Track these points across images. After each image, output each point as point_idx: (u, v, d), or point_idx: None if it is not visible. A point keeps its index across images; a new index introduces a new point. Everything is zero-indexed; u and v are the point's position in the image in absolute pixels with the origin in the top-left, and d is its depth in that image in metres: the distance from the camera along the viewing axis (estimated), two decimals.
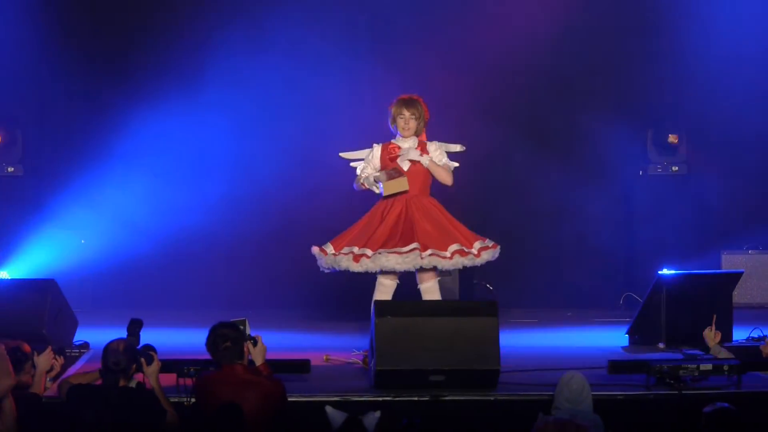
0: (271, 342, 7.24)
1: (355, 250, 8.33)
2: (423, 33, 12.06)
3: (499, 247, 8.48)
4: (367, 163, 8.61)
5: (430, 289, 8.47)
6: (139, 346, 6.93)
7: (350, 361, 8.49)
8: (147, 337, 7.21)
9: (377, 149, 8.62)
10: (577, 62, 12.14)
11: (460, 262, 8.34)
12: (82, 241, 11.70)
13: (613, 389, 7.39)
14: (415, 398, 7.29)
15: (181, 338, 9.22)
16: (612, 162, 12.03)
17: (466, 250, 8.34)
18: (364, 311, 8.25)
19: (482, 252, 8.39)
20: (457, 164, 8.69)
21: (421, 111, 8.53)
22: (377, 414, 5.82)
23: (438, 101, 9.95)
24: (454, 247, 8.33)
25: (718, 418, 6.03)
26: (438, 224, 8.42)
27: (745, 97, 11.99)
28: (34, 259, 11.22)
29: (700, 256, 11.38)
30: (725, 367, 7.48)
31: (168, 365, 7.06)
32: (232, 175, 11.99)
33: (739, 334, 9.33)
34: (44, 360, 7.05)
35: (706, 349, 8.22)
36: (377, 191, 8.50)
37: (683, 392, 7.32)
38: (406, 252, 8.27)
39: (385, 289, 8.45)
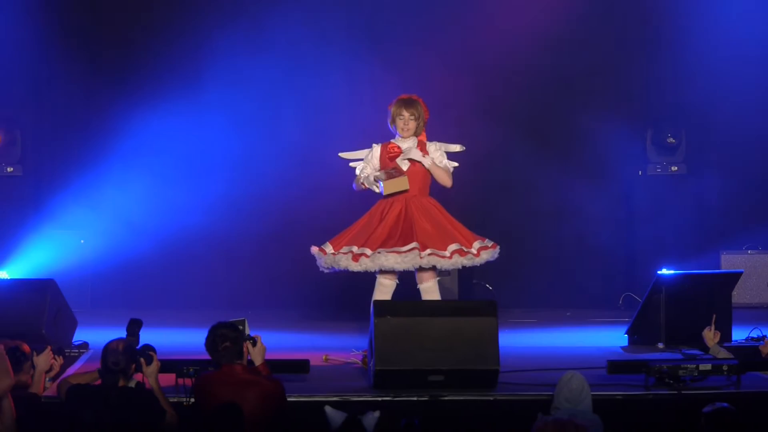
0: (271, 342, 7.25)
1: (354, 249, 8.33)
2: (422, 33, 12.05)
3: (498, 247, 8.48)
4: (366, 163, 8.62)
5: (429, 289, 8.47)
6: (138, 346, 6.93)
7: (349, 361, 8.49)
8: (146, 337, 7.22)
9: (376, 149, 8.62)
10: (577, 62, 12.14)
11: (459, 261, 8.34)
12: (82, 241, 11.70)
13: (612, 389, 7.39)
14: (415, 398, 7.29)
15: (180, 338, 9.22)
16: (611, 162, 12.02)
17: (466, 249, 8.35)
18: (364, 311, 8.25)
19: (481, 252, 8.39)
20: (456, 164, 8.69)
21: (420, 111, 8.54)
22: (376, 414, 5.82)
23: (437, 101, 9.95)
24: (453, 246, 8.33)
25: (718, 418, 6.02)
26: (437, 224, 8.43)
27: (744, 98, 11.99)
28: (33, 259, 11.22)
29: (699, 256, 11.38)
30: (724, 367, 7.48)
31: (167, 365, 7.07)
32: (232, 174, 11.98)
33: (739, 334, 9.33)
34: (43, 360, 7.05)
35: (705, 349, 8.23)
36: (377, 190, 8.50)
37: (682, 392, 7.32)
38: (406, 251, 8.27)
39: (384, 289, 8.45)
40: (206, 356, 6.79)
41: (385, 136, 8.70)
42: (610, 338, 9.66)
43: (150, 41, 12.04)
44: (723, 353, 7.96)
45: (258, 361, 6.97)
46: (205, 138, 12.02)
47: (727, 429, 5.99)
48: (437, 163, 8.51)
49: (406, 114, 8.50)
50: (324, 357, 8.55)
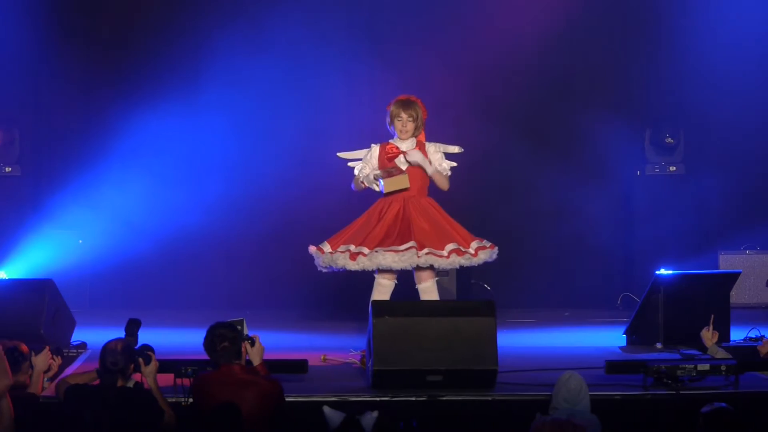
0: (269, 342, 7.25)
1: (352, 248, 8.33)
2: (422, 33, 12.06)
3: (496, 248, 8.47)
4: (365, 163, 8.62)
5: (428, 289, 8.47)
6: (136, 346, 6.93)
7: (348, 361, 8.49)
8: (145, 337, 7.21)
9: (375, 149, 8.62)
10: (576, 62, 12.15)
11: (456, 261, 8.34)
12: (80, 241, 11.70)
13: (610, 389, 7.40)
14: (413, 398, 7.29)
15: (178, 338, 9.23)
16: (610, 162, 12.03)
17: (463, 249, 8.35)
18: (362, 311, 8.26)
19: (479, 252, 8.39)
20: (455, 164, 8.69)
21: (418, 112, 8.53)
22: (375, 414, 5.82)
23: (436, 101, 9.96)
24: (450, 246, 8.33)
25: (716, 418, 6.02)
26: (435, 223, 8.43)
27: (742, 98, 12.00)
28: (31, 259, 11.21)
29: (697, 256, 11.38)
30: (723, 367, 7.48)
31: (166, 365, 7.07)
32: (231, 175, 11.99)
33: (737, 334, 9.33)
34: (42, 360, 7.05)
35: (703, 349, 8.23)
36: (377, 189, 8.50)
37: (681, 392, 7.33)
38: (403, 250, 8.28)
39: (383, 290, 8.45)
40: (205, 356, 6.79)
41: (384, 136, 8.70)
42: (609, 338, 9.67)
43: (149, 41, 12.04)
44: (721, 353, 7.96)
45: (256, 361, 6.98)
46: (204, 138, 12.02)
47: (725, 429, 5.99)
48: (436, 165, 8.51)
49: (404, 115, 8.50)
50: (322, 357, 8.56)
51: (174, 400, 6.94)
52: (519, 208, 12.08)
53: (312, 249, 8.49)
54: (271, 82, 11.89)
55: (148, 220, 11.76)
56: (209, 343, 6.69)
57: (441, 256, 8.32)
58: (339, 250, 8.37)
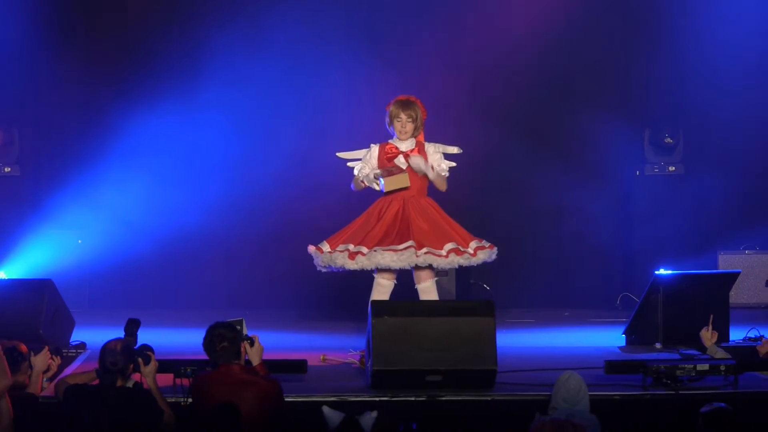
0: (268, 342, 7.25)
1: (351, 247, 8.33)
2: (421, 32, 12.05)
3: (495, 248, 8.47)
4: (365, 163, 8.62)
5: (427, 289, 8.47)
6: (136, 346, 6.93)
7: (347, 361, 8.49)
8: (144, 337, 7.21)
9: (375, 149, 8.62)
10: (575, 62, 12.14)
11: (455, 260, 8.34)
12: (79, 241, 11.69)
13: (610, 389, 7.40)
14: (412, 398, 7.30)
15: (178, 338, 9.22)
16: (609, 162, 12.03)
17: (462, 249, 8.34)
18: (361, 311, 8.26)
19: (478, 251, 8.39)
20: (454, 164, 8.69)
21: (418, 112, 8.53)
22: (374, 414, 5.82)
23: (436, 100, 9.96)
24: (449, 245, 8.33)
25: (715, 418, 6.03)
26: (434, 223, 8.43)
27: (741, 98, 12.00)
28: (31, 259, 11.21)
29: (696, 256, 11.38)
30: (722, 367, 7.48)
31: (165, 365, 7.07)
32: (230, 174, 11.98)
33: (736, 335, 9.33)
34: (41, 360, 7.05)
35: (702, 349, 8.23)
36: (377, 188, 8.50)
37: (680, 392, 7.33)
38: (402, 249, 8.27)
39: (382, 290, 8.45)
40: (204, 356, 6.79)
41: (383, 136, 8.70)
42: (608, 338, 9.67)
43: (148, 41, 12.03)
44: (720, 353, 7.96)
45: (256, 361, 6.98)
46: (203, 138, 12.02)
47: (724, 429, 5.99)
48: (435, 167, 8.51)
49: (403, 116, 8.50)
50: (322, 357, 8.56)
51: (173, 400, 6.95)
52: (518, 208, 12.08)
53: (311, 249, 8.48)
54: (271, 81, 11.89)
55: (148, 220, 11.76)
56: (208, 343, 6.69)
57: (440, 256, 8.32)
58: (338, 249, 8.37)
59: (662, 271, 9.52)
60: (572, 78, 12.19)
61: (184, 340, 8.86)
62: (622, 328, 9.51)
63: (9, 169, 11.89)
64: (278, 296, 11.77)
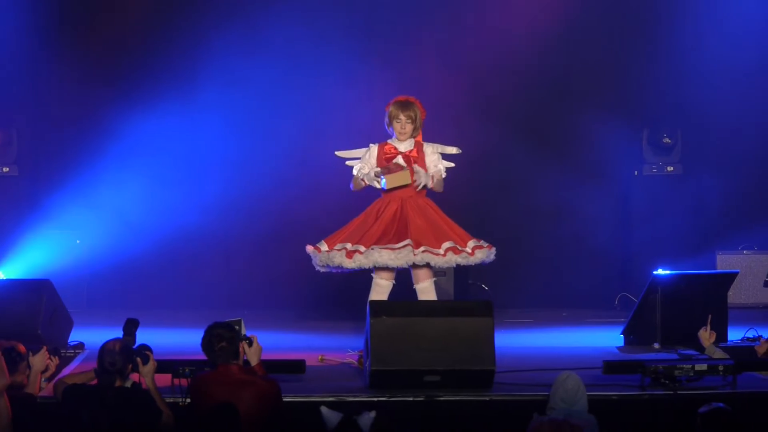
0: (267, 342, 7.24)
1: (348, 246, 8.34)
2: (420, 32, 12.06)
3: (494, 248, 8.47)
4: (364, 162, 8.62)
5: (426, 289, 8.47)
6: (135, 346, 6.93)
7: (345, 361, 8.49)
8: (142, 337, 7.21)
9: (374, 149, 8.63)
10: (574, 62, 12.15)
11: (453, 259, 8.34)
12: (78, 242, 11.69)
13: (608, 389, 7.40)
14: (410, 398, 7.30)
15: (176, 338, 9.22)
16: (607, 162, 12.03)
17: (460, 248, 8.35)
18: (360, 311, 8.25)
19: (476, 251, 8.39)
20: (452, 165, 8.69)
21: (417, 113, 8.54)
22: (372, 414, 5.82)
23: (435, 100, 9.96)
24: (447, 244, 8.34)
25: (714, 418, 6.03)
26: (432, 222, 8.44)
27: (740, 98, 12.00)
28: (29, 259, 11.20)
29: (695, 257, 11.38)
30: (720, 368, 7.49)
31: (163, 365, 7.06)
32: (229, 174, 11.98)
33: (734, 335, 9.33)
34: (39, 360, 7.06)
35: (701, 349, 8.22)
36: (378, 186, 8.50)
37: (678, 392, 7.33)
38: (399, 248, 8.28)
39: (380, 290, 8.45)
40: (202, 356, 6.79)
41: (382, 136, 8.70)
42: (606, 338, 9.66)
43: (147, 40, 12.03)
44: (719, 353, 7.96)
45: (254, 362, 6.98)
46: (202, 138, 12.02)
47: (723, 429, 5.99)
48: (432, 167, 8.51)
49: (403, 117, 8.51)
50: (320, 357, 8.56)
51: (172, 400, 6.94)
52: (517, 208, 12.08)
53: (309, 248, 8.49)
54: (270, 81, 11.89)
55: (146, 220, 11.76)
56: (207, 343, 6.69)
57: (437, 254, 8.32)
58: (335, 248, 8.38)
59: (660, 271, 9.52)
60: (571, 78, 12.20)
61: (182, 340, 8.86)
62: (621, 328, 9.50)
63: (7, 169, 11.89)
64: (277, 296, 11.77)
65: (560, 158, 11.99)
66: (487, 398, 7.33)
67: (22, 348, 6.96)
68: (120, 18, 12.05)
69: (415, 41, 12.01)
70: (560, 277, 12.02)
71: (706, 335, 8.13)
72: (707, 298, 9.23)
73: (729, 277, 9.70)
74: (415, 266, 8.38)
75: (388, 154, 8.56)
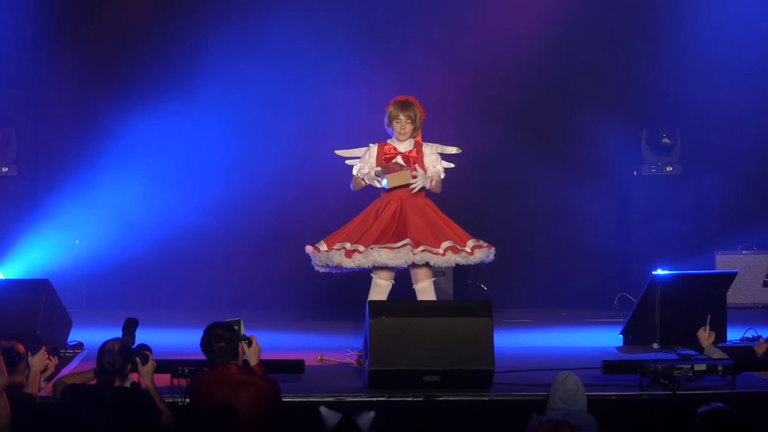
0: (266, 342, 7.25)
1: (348, 246, 8.34)
2: (420, 32, 12.06)
3: (493, 248, 8.48)
4: (364, 162, 8.62)
5: (425, 290, 8.47)
6: (134, 346, 6.93)
7: (344, 361, 8.49)
8: (141, 337, 7.21)
9: (374, 148, 8.63)
10: (573, 62, 12.15)
11: (452, 259, 8.34)
12: (77, 242, 11.68)
13: (607, 389, 7.40)
14: (410, 398, 7.30)
15: (175, 338, 9.22)
16: (606, 162, 12.03)
17: (459, 247, 8.36)
18: (359, 311, 8.25)
19: (475, 250, 8.39)
20: (452, 165, 8.70)
21: (417, 113, 8.54)
22: (371, 414, 5.82)
23: (435, 100, 9.96)
24: (446, 244, 8.34)
25: (713, 418, 6.03)
26: (431, 222, 8.45)
27: (739, 98, 12.00)
28: (28, 259, 11.20)
29: (694, 257, 11.38)
30: (719, 368, 7.49)
31: (162, 365, 7.07)
32: (228, 174, 11.98)
33: (733, 335, 9.33)
34: (38, 360, 7.06)
35: (700, 349, 8.23)
36: (379, 185, 8.49)
37: (677, 392, 7.33)
38: (399, 247, 8.28)
39: (380, 290, 8.45)
40: (201, 356, 6.79)
41: (382, 136, 8.70)
42: (605, 338, 9.66)
43: (146, 40, 12.02)
44: (718, 353, 7.96)
45: (253, 362, 6.98)
46: (201, 137, 12.01)
47: (722, 429, 5.99)
48: (431, 168, 8.51)
49: (403, 117, 8.51)
50: (319, 357, 8.55)
51: (171, 400, 6.94)
52: (516, 208, 12.08)
53: (308, 248, 8.49)
54: (269, 81, 11.89)
55: (146, 220, 11.75)
56: (206, 343, 6.69)
57: (437, 254, 8.32)
58: (335, 248, 8.38)
59: (660, 272, 9.52)
60: (570, 78, 12.20)
61: (181, 340, 8.86)
62: (620, 329, 9.50)
63: (6, 169, 11.88)
64: (276, 296, 11.77)
65: (559, 158, 11.99)
66: (487, 398, 7.33)
67: (21, 348, 6.96)
68: (119, 18, 12.04)
69: (415, 41, 12.01)
70: (559, 277, 12.02)
71: (705, 335, 8.13)
72: (706, 298, 9.23)
73: (728, 277, 9.70)
74: (414, 266, 8.38)
75: (387, 154, 8.57)
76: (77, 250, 11.65)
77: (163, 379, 7.13)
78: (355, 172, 8.64)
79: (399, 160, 8.52)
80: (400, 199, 8.47)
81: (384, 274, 8.43)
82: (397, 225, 8.40)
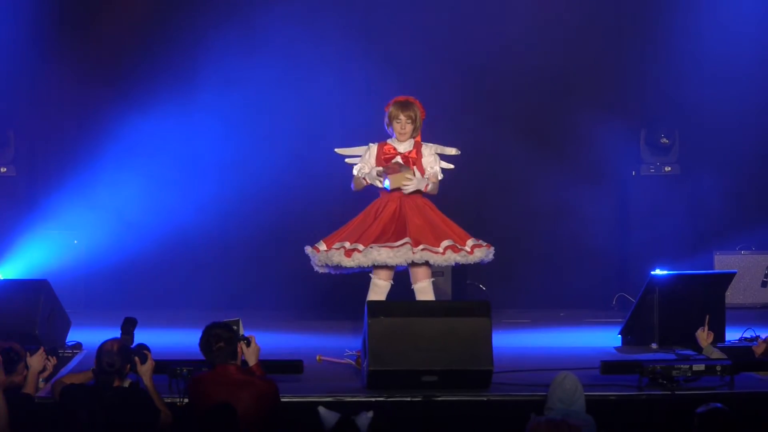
0: (264, 342, 7.24)
1: (347, 245, 8.34)
2: (419, 32, 12.04)
3: (493, 248, 8.48)
4: (364, 162, 8.62)
5: (424, 289, 8.47)
6: (132, 345, 6.93)
7: (343, 361, 8.48)
8: (140, 337, 7.22)
9: (374, 148, 8.63)
10: (572, 62, 12.14)
11: (452, 258, 8.33)
12: (75, 242, 11.68)
13: (605, 389, 7.40)
14: (408, 399, 7.29)
15: (174, 339, 9.22)
16: (605, 162, 12.03)
17: (459, 246, 8.36)
18: (358, 312, 8.25)
19: (475, 249, 8.39)
20: (451, 166, 8.70)
21: (417, 113, 8.54)
22: (370, 414, 5.82)
23: (435, 100, 9.96)
24: (446, 242, 8.34)
25: (711, 418, 6.03)
26: (431, 222, 8.45)
27: (738, 98, 12.00)
28: (26, 259, 11.19)
29: (692, 257, 11.39)
30: (718, 368, 7.49)
31: (161, 365, 7.06)
32: (227, 174, 11.97)
33: (732, 335, 9.34)
34: (37, 360, 7.05)
35: (698, 349, 8.23)
36: (380, 185, 8.49)
37: (676, 393, 7.33)
38: (398, 246, 8.28)
39: (378, 290, 8.45)
40: (200, 356, 6.79)
41: (381, 136, 8.70)
42: (604, 338, 9.66)
43: (145, 40, 12.00)
44: (716, 354, 7.97)
45: (252, 362, 6.98)
46: (200, 138, 12.00)
47: (720, 429, 5.99)
48: (428, 169, 8.51)
49: (403, 117, 8.51)
50: (318, 357, 8.55)
51: (169, 400, 6.94)
52: (514, 208, 12.08)
53: (308, 249, 8.49)
54: (269, 81, 11.88)
55: (145, 220, 11.74)
56: (205, 343, 6.69)
57: (436, 253, 8.32)
58: (334, 247, 8.38)
59: (658, 272, 9.52)
60: (569, 78, 12.19)
61: (180, 340, 8.86)
62: (618, 329, 9.50)
63: (5, 169, 11.86)
64: (275, 297, 11.76)
65: (558, 158, 11.98)
66: (485, 398, 7.33)
67: (19, 348, 6.96)
68: (119, 18, 12.03)
69: (414, 41, 12.00)
70: (558, 277, 12.01)
71: (703, 335, 8.13)
72: (705, 298, 9.23)
73: (727, 278, 9.71)
74: (413, 265, 8.38)
75: (387, 154, 8.57)
76: (76, 250, 11.64)
77: (162, 379, 7.12)
78: (355, 172, 8.64)
79: (398, 160, 8.52)
80: (399, 199, 8.47)
81: (383, 274, 8.42)
82: (397, 224, 8.40)
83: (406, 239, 8.30)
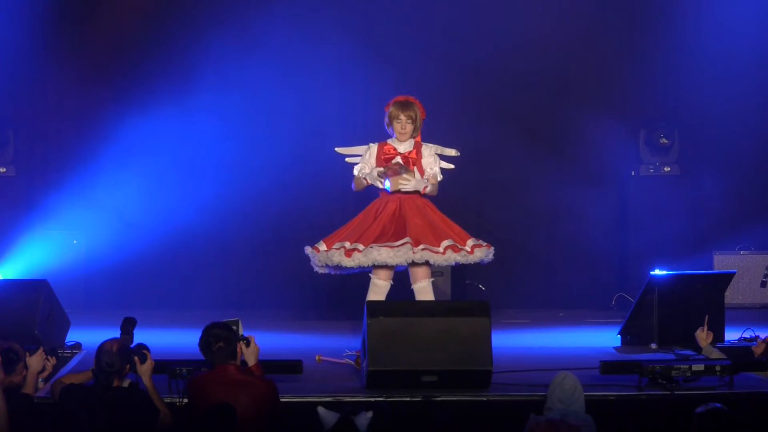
0: (264, 342, 7.25)
1: (347, 245, 8.34)
2: (418, 32, 12.05)
3: (493, 248, 8.48)
4: (364, 162, 8.62)
5: (423, 289, 8.47)
6: (132, 345, 6.93)
7: (342, 361, 8.48)
8: (139, 337, 7.21)
9: (374, 148, 8.63)
10: (571, 62, 12.15)
11: (452, 257, 8.33)
12: (75, 242, 11.68)
13: (605, 390, 7.40)
14: (408, 399, 7.29)
15: (173, 338, 9.22)
16: (605, 162, 12.03)
17: (459, 246, 8.35)
18: (357, 312, 8.25)
19: (475, 249, 8.39)
20: (451, 166, 8.70)
21: (417, 113, 8.54)
22: (369, 414, 5.82)
23: (434, 100, 9.96)
24: (446, 242, 8.34)
25: (711, 418, 6.03)
26: (431, 221, 8.45)
27: (738, 98, 12.00)
28: (26, 259, 11.20)
29: (692, 257, 11.39)
30: (717, 368, 7.49)
31: (160, 365, 7.06)
32: (226, 174, 11.97)
33: (731, 335, 9.33)
34: (36, 361, 7.05)
35: (698, 349, 8.24)
36: (381, 186, 8.49)
37: (675, 393, 7.33)
38: (398, 246, 8.28)
39: (378, 290, 8.45)
40: (200, 356, 6.79)
41: (382, 136, 8.70)
42: (603, 339, 9.66)
43: (144, 41, 12.01)
44: (716, 354, 7.97)
45: (251, 362, 6.98)
46: (200, 137, 12.00)
47: (720, 429, 6.00)
48: (428, 170, 8.52)
49: (403, 117, 8.51)
50: (317, 357, 8.55)
51: (169, 400, 6.94)
52: (514, 209, 12.07)
53: (308, 249, 8.49)
54: (268, 81, 11.88)
55: (144, 220, 11.75)
56: (204, 343, 6.69)
57: (437, 252, 8.32)
58: (334, 247, 8.38)
59: (657, 272, 9.52)
60: (568, 78, 12.20)
61: (180, 340, 8.86)
62: (618, 329, 9.51)
63: (4, 169, 11.87)
64: (274, 297, 11.77)
65: (557, 159, 11.99)
66: (484, 398, 7.33)
67: (19, 348, 6.95)
68: (117, 18, 12.03)
69: (414, 41, 12.00)
70: (557, 277, 12.02)
71: (703, 335, 8.13)
72: (704, 298, 9.23)
73: (726, 278, 9.70)
74: (413, 265, 8.38)
75: (387, 154, 8.57)
76: (75, 250, 11.64)
77: (162, 379, 7.12)
78: (356, 172, 8.64)
79: (398, 160, 8.52)
80: (399, 199, 8.47)
81: (382, 274, 8.42)
82: (397, 224, 8.40)
83: (407, 239, 8.30)
